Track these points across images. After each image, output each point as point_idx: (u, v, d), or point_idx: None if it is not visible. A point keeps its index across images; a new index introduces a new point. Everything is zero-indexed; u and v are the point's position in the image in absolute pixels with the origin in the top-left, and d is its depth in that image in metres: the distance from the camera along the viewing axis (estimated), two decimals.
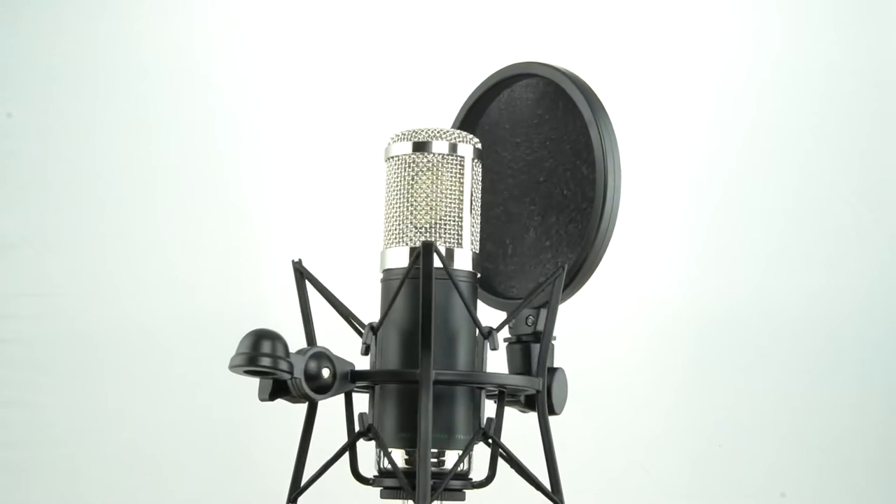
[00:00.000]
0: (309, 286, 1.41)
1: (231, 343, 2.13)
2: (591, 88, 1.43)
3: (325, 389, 1.31)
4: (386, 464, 1.34)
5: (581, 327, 2.18)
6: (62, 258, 2.13)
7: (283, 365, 1.27)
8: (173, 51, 2.18)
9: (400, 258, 1.35)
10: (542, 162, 1.45)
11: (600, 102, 1.43)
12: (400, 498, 1.34)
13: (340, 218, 2.17)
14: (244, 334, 1.29)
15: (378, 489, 1.37)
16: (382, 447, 1.33)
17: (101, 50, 2.17)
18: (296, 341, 2.10)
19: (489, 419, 1.37)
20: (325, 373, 1.31)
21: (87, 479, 2.10)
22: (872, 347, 2.23)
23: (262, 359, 1.26)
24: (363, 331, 1.37)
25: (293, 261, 1.40)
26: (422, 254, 1.30)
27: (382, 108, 2.18)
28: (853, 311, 2.23)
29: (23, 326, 2.11)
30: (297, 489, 1.37)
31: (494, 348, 1.36)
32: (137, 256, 2.14)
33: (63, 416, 2.11)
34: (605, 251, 1.43)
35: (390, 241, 1.36)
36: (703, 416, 2.21)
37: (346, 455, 1.37)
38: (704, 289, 2.23)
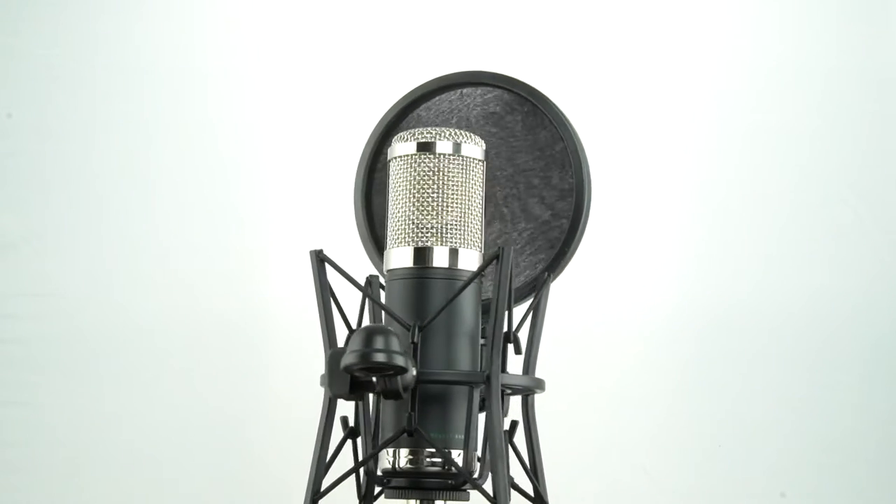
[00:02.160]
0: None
1: (231, 343, 2.14)
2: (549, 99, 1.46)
3: (409, 387, 1.29)
4: (402, 463, 1.34)
5: (581, 328, 2.18)
6: (62, 258, 2.13)
7: (400, 360, 1.25)
8: (173, 51, 2.18)
9: (405, 258, 1.35)
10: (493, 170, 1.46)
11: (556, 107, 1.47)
12: (405, 498, 1.35)
13: (341, 218, 2.16)
14: (355, 332, 1.27)
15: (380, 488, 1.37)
16: (435, 446, 1.32)
17: (101, 50, 2.17)
18: (296, 341, 2.11)
19: (514, 422, 1.38)
20: (414, 371, 1.30)
21: (87, 479, 2.10)
22: (873, 347, 2.23)
23: (376, 355, 1.24)
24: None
25: (313, 250, 1.38)
26: (501, 257, 1.32)
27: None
28: (853, 310, 2.23)
29: (23, 326, 2.11)
30: (317, 489, 1.36)
31: (519, 352, 1.37)
32: (137, 256, 2.14)
33: (62, 417, 2.10)
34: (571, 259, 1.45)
35: (395, 242, 1.36)
36: (703, 416, 2.21)
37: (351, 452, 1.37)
38: (704, 289, 2.23)
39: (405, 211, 1.36)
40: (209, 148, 2.17)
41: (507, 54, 2.22)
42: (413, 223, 1.35)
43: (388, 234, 1.37)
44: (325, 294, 1.37)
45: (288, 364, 2.11)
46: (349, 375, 1.28)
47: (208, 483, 2.11)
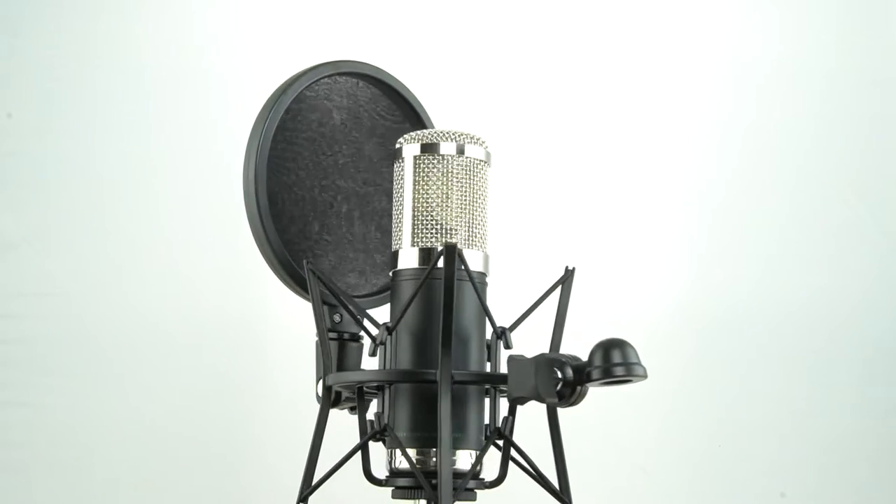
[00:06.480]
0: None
1: (234, 342, 2.14)
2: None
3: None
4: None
5: (580, 328, 2.18)
6: (63, 258, 2.13)
7: (640, 370, 1.26)
8: (173, 51, 2.18)
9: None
10: (365, 164, 1.47)
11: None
12: (412, 498, 1.34)
13: None
14: (597, 345, 1.28)
15: (389, 489, 1.37)
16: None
17: (101, 50, 2.17)
18: (300, 341, 2.11)
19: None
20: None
21: (90, 479, 2.10)
22: (873, 346, 2.23)
23: (616, 369, 1.26)
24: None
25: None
26: (571, 277, 1.38)
27: None
28: (853, 310, 2.23)
29: (24, 326, 2.11)
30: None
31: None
32: (138, 256, 2.14)
33: (64, 417, 2.10)
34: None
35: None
36: (703, 416, 2.21)
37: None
38: (704, 289, 2.23)
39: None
40: (210, 147, 2.17)
41: (500, 53, 2.22)
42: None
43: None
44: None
45: (291, 363, 2.11)
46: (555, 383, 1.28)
47: (212, 482, 2.11)
